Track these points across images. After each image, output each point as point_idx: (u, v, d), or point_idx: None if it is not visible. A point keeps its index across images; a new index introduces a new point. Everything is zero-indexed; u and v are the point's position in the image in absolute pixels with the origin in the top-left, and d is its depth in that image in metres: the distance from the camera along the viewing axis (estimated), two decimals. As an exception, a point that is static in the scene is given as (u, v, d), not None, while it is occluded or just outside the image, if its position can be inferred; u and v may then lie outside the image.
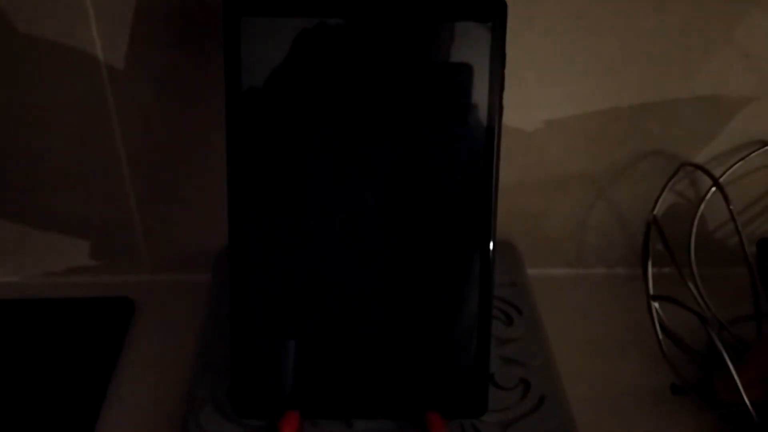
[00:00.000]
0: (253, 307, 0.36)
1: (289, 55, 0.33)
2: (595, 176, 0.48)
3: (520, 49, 0.36)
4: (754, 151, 0.46)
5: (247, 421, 0.36)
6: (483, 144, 0.34)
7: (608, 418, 0.40)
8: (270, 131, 0.34)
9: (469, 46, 0.33)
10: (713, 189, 0.44)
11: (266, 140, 0.34)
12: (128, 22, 0.40)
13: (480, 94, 0.33)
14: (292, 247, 0.35)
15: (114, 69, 0.41)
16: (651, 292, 0.41)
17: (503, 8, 0.33)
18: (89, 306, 0.46)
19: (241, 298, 0.36)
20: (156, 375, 0.42)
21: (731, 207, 0.43)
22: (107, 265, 0.49)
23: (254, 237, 0.35)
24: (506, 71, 0.33)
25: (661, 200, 0.45)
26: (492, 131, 0.34)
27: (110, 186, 0.46)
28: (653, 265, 0.43)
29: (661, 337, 0.40)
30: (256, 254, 0.35)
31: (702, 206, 0.45)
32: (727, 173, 0.45)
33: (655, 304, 0.41)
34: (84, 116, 0.43)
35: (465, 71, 0.33)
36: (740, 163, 0.46)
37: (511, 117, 0.36)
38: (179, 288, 0.48)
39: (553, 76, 0.43)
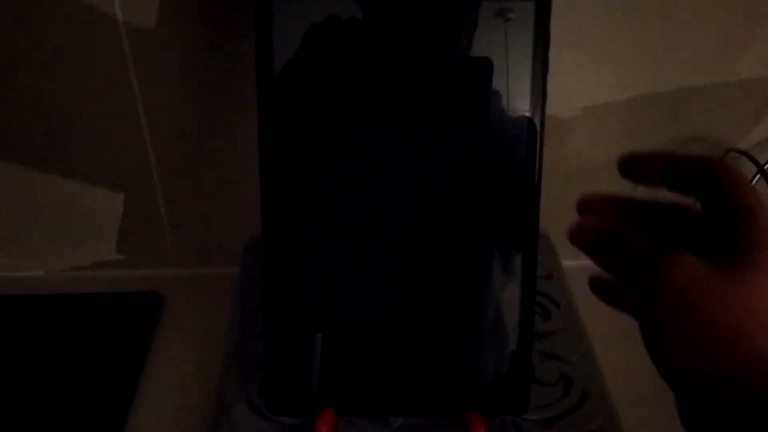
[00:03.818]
0: (286, 301, 0.35)
1: (323, 42, 0.32)
2: (633, 164, 0.46)
3: (558, 31, 0.34)
4: (801, 137, 0.44)
5: (281, 419, 0.36)
6: (526, 132, 0.32)
7: (650, 414, 0.39)
8: (303, 120, 0.33)
9: (511, 28, 0.31)
10: (758, 176, 0.43)
11: (299, 129, 0.33)
12: (154, 13, 0.39)
13: (522, 80, 0.32)
14: (326, 239, 0.34)
15: (141, 61, 0.40)
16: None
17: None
18: (118, 300, 0.46)
19: (274, 292, 0.35)
20: (186, 370, 0.42)
21: (777, 195, 0.42)
22: (134, 259, 0.49)
23: (287, 228, 0.34)
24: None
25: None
26: (535, 119, 0.32)
27: (137, 180, 0.45)
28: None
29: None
30: (289, 246, 0.34)
31: (746, 194, 0.44)
32: (773, 160, 0.44)
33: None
34: (111, 112, 0.42)
35: (505, 57, 0.32)
36: (787, 149, 0.44)
37: (547, 105, 0.35)
38: (207, 281, 0.48)
39: (590, 60, 0.42)
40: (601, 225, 0.28)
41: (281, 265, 0.35)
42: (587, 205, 0.29)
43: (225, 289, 0.45)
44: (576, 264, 0.48)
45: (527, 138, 0.32)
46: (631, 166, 0.28)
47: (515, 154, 0.33)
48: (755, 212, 0.25)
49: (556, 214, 0.47)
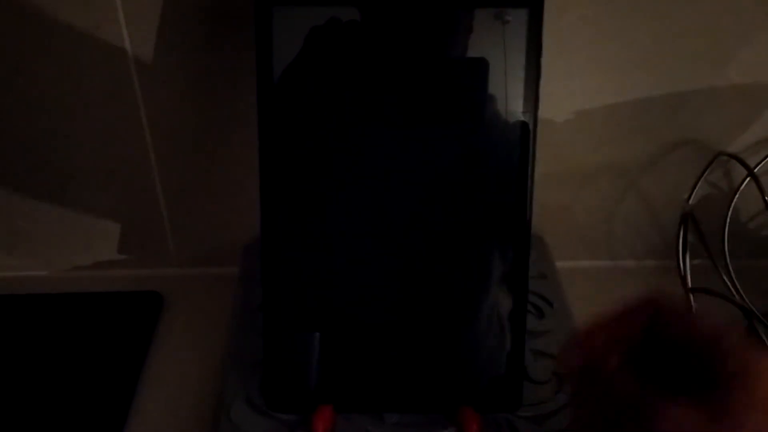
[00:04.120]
0: (285, 301, 0.36)
1: (322, 45, 0.33)
2: (625, 167, 0.47)
3: (551, 37, 0.35)
4: (790, 141, 0.45)
5: (279, 416, 0.36)
6: (519, 136, 0.33)
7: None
8: (302, 122, 0.34)
9: (505, 34, 0.32)
10: (748, 179, 0.44)
11: (298, 130, 0.34)
12: (156, 16, 0.39)
13: (516, 83, 0.33)
14: (324, 240, 0.35)
15: (142, 62, 0.41)
16: (689, 284, 0.41)
17: (540, -6, 0.32)
18: (119, 300, 0.47)
19: (274, 291, 0.35)
20: (186, 368, 0.42)
21: (766, 198, 0.42)
22: (135, 258, 0.49)
23: (286, 229, 0.35)
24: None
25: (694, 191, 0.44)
26: (527, 123, 0.33)
27: (138, 181, 0.45)
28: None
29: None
30: (288, 246, 0.35)
31: (736, 197, 0.44)
32: (763, 163, 0.44)
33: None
34: (113, 111, 0.43)
35: (501, 60, 0.33)
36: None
37: (540, 108, 0.36)
38: (207, 281, 0.48)
39: (583, 65, 0.42)
40: (584, 360, 0.25)
41: (280, 264, 0.35)
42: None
43: (225, 288, 0.46)
44: (569, 265, 0.50)
45: (520, 140, 0.33)
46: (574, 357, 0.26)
47: (509, 155, 0.33)
48: (718, 341, 0.24)
49: (550, 216, 0.49)
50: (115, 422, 0.39)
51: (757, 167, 0.44)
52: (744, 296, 0.43)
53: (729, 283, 0.43)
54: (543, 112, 0.44)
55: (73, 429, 0.38)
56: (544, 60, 0.33)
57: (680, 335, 0.24)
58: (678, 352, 0.24)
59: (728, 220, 0.45)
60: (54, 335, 0.44)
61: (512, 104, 0.33)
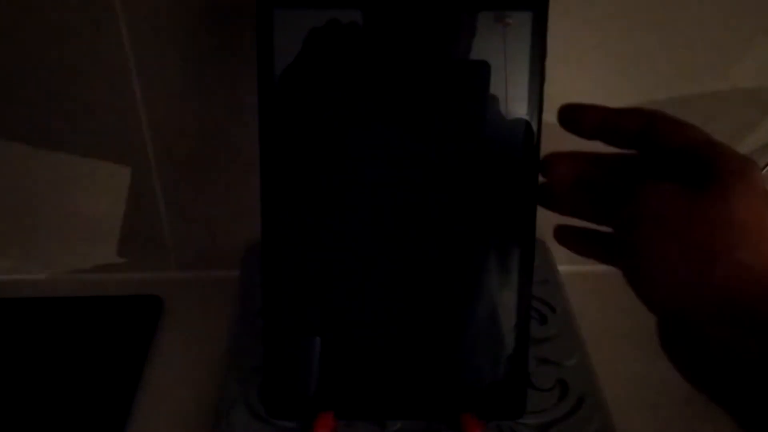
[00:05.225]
0: (285, 305, 0.35)
1: (323, 47, 0.32)
2: (629, 171, 0.47)
3: (555, 39, 0.35)
4: (796, 144, 0.45)
5: (279, 422, 0.36)
6: (523, 138, 0.33)
7: (646, 419, 0.39)
8: (303, 125, 0.33)
9: (510, 35, 0.32)
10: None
11: (299, 133, 0.34)
12: (156, 17, 0.39)
13: (520, 86, 0.32)
14: (325, 244, 0.35)
15: (142, 65, 0.41)
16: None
17: (544, -4, 0.32)
18: (118, 304, 0.47)
19: (274, 296, 0.35)
20: (186, 373, 0.42)
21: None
22: (135, 262, 0.49)
23: (287, 233, 0.35)
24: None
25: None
26: (532, 125, 0.33)
27: (138, 184, 0.45)
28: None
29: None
30: (289, 251, 0.35)
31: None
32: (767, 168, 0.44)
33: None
34: (113, 116, 0.42)
35: (505, 62, 0.32)
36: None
37: (543, 110, 0.36)
38: (207, 285, 0.48)
39: (588, 68, 0.42)
40: (577, 164, 0.29)
41: (281, 269, 0.35)
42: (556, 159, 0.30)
43: (225, 292, 0.46)
44: (572, 269, 0.49)
45: (525, 143, 0.33)
46: (568, 117, 0.30)
47: (513, 158, 0.33)
48: (714, 145, 0.26)
49: (552, 220, 0.48)
50: (115, 426, 0.39)
51: (763, 170, 0.43)
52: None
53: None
54: (547, 114, 0.44)
55: (73, 433, 0.38)
56: (548, 61, 0.33)
57: (677, 141, 0.26)
58: (675, 154, 0.26)
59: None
60: (54, 339, 0.44)
61: (516, 106, 0.33)
